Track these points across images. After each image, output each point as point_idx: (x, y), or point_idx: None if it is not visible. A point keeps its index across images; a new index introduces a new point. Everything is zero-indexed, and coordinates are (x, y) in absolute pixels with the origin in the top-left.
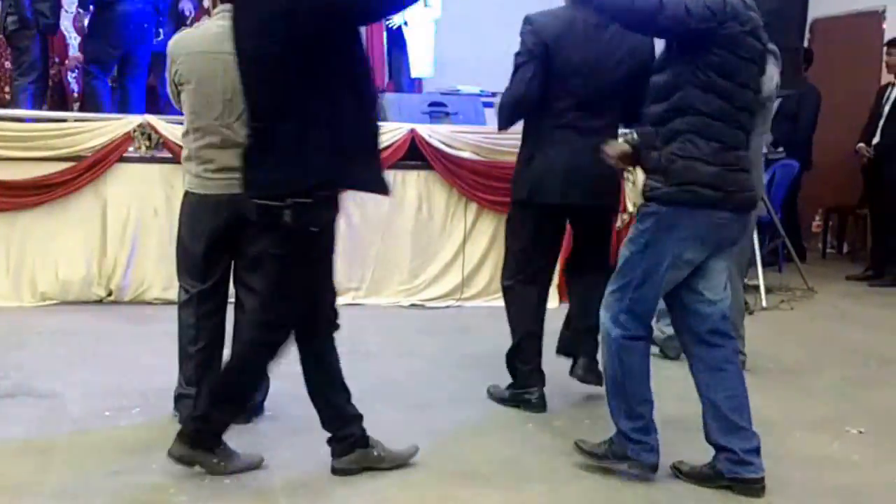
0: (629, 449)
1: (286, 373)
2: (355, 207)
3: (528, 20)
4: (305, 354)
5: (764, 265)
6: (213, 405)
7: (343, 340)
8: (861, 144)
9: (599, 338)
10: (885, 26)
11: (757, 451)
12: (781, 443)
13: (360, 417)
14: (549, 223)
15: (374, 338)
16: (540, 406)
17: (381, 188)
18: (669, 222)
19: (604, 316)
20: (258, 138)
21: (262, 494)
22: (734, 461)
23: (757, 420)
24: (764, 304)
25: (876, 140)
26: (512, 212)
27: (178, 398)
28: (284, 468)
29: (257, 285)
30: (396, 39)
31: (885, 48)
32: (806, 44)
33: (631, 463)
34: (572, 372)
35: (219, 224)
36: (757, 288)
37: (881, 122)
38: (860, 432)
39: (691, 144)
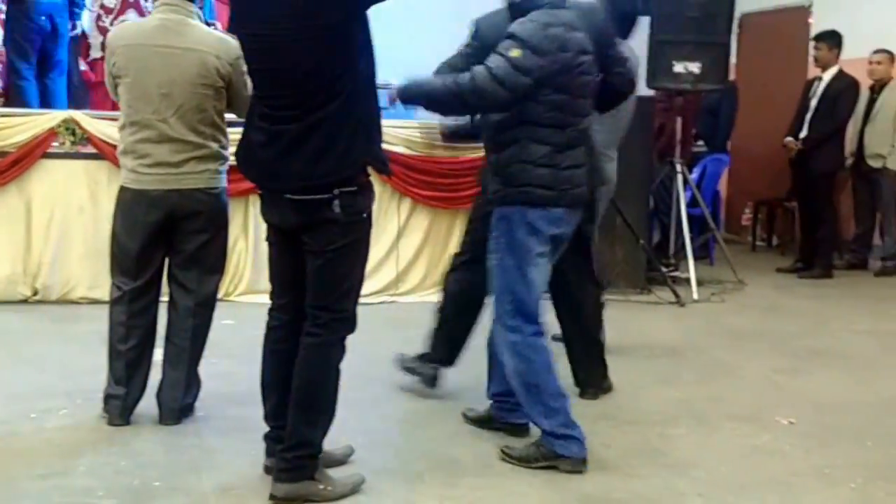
0: (556, 446)
1: (216, 373)
2: None
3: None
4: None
5: (695, 258)
6: (309, 425)
7: None
8: (789, 138)
9: (502, 349)
10: (811, 20)
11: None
12: (712, 434)
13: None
14: None
15: None
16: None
17: (386, 168)
18: (515, 222)
19: (495, 327)
20: (294, 127)
21: (192, 496)
22: (503, 409)
23: (688, 412)
24: (695, 296)
25: (803, 134)
26: None
27: (108, 398)
28: (215, 469)
29: (193, 285)
30: None
31: (812, 42)
32: (735, 39)
33: (562, 460)
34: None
35: (154, 220)
36: (688, 281)
37: (808, 116)
38: (790, 422)
39: (525, 150)
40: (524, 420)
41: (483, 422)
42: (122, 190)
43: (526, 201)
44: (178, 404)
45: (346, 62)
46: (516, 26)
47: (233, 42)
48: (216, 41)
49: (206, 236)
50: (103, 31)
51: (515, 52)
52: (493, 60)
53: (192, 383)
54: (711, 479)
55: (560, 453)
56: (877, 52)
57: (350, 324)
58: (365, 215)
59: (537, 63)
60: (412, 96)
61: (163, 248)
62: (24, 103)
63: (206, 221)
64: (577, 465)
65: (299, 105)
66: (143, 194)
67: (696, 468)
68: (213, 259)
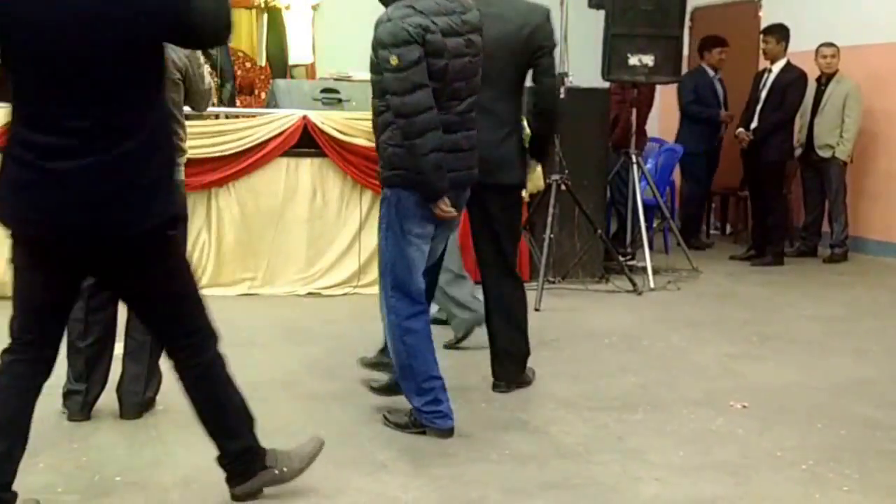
0: (424, 419)
1: None
2: (249, 196)
3: None
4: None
5: (650, 247)
6: (230, 437)
7: (239, 330)
8: (740, 129)
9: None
10: (761, 14)
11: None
12: (668, 419)
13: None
14: None
15: (269, 327)
16: None
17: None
18: (395, 204)
19: (380, 306)
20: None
21: (153, 490)
22: None
23: (645, 397)
24: (651, 285)
25: (754, 125)
26: None
27: (67, 394)
28: (175, 463)
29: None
30: (273, 24)
31: (761, 36)
32: (687, 32)
33: (429, 430)
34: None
35: None
36: (644, 269)
37: (758, 108)
38: (744, 406)
39: (399, 134)
40: None
41: (388, 389)
42: None
43: (403, 184)
44: (139, 399)
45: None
46: (380, 33)
47: None
48: None
49: None
50: None
51: (394, 60)
52: (386, 81)
53: (152, 377)
54: (668, 463)
55: (426, 425)
56: (827, 45)
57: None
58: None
59: (414, 54)
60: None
61: None
62: None
63: None
64: (443, 434)
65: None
66: None
67: (653, 453)
68: None
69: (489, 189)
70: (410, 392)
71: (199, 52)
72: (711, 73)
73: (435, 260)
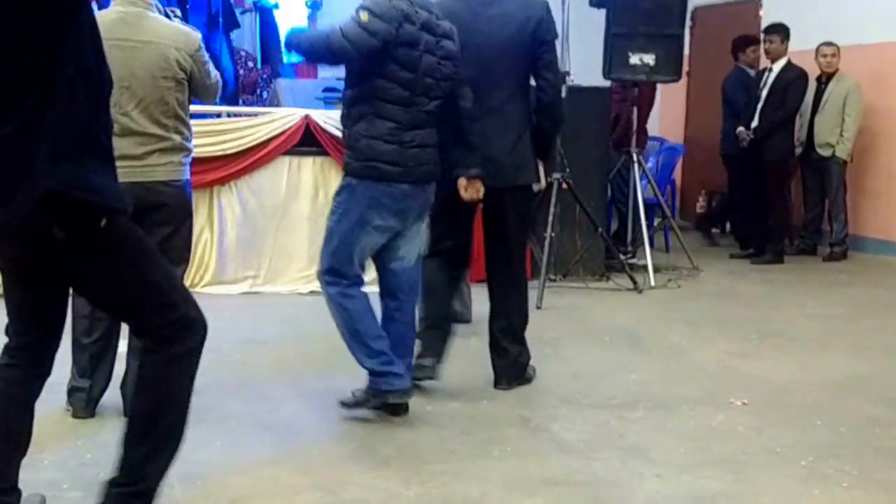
0: (381, 383)
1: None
2: (251, 195)
3: None
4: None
5: (651, 245)
6: (149, 458)
7: (241, 328)
8: (740, 129)
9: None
10: (761, 13)
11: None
12: (668, 416)
13: None
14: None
15: (272, 325)
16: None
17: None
18: (358, 193)
19: (319, 279)
20: None
21: None
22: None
23: (646, 395)
24: (652, 283)
25: (754, 124)
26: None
27: (72, 391)
28: (179, 459)
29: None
30: (267, 24)
31: (762, 35)
32: (688, 31)
33: (389, 394)
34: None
35: None
36: (645, 268)
37: (759, 106)
38: (743, 403)
39: (373, 125)
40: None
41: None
42: None
43: (372, 176)
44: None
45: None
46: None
47: (193, 33)
48: (175, 33)
49: (170, 228)
50: None
51: (364, 16)
52: (346, 23)
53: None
54: (668, 459)
55: (384, 389)
56: (827, 45)
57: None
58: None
59: (383, 27)
60: (296, 43)
61: None
62: None
63: (170, 213)
64: (401, 395)
65: None
66: None
67: (654, 449)
68: (177, 250)
69: (507, 192)
70: (362, 356)
71: (202, 51)
72: (751, 72)
73: (413, 259)
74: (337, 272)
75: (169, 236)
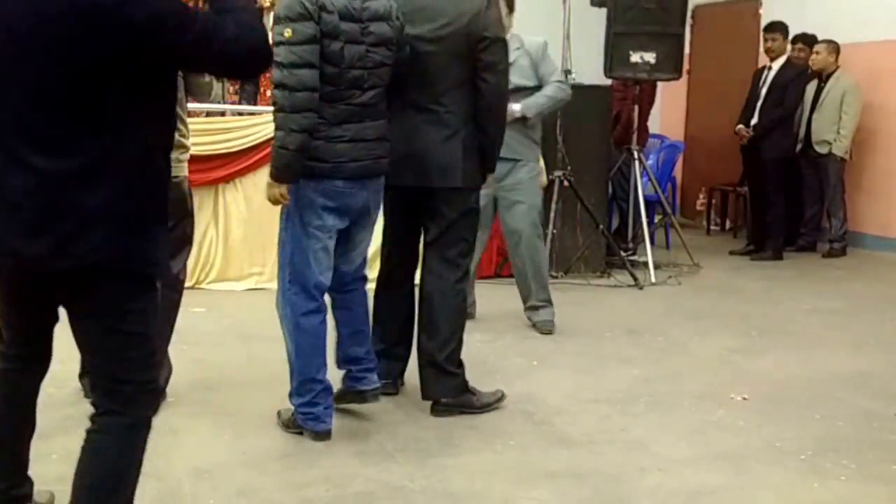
0: (300, 420)
1: (187, 359)
2: (256, 192)
3: None
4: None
5: (651, 242)
6: None
7: (246, 325)
8: (740, 126)
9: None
10: (761, 12)
11: (371, 370)
12: (670, 411)
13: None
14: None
15: (277, 322)
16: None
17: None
18: (297, 195)
19: (277, 297)
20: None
21: (166, 481)
22: (352, 378)
23: (648, 390)
24: (653, 279)
25: (754, 121)
26: None
27: (83, 373)
28: (188, 454)
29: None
30: None
31: (762, 33)
32: (689, 30)
33: (305, 433)
34: None
35: None
36: (646, 264)
37: (759, 104)
38: (744, 398)
39: (309, 117)
40: (371, 385)
41: (337, 397)
42: None
43: (305, 174)
44: None
45: None
46: (278, 8)
47: None
48: None
49: (170, 223)
50: None
51: (288, 33)
52: (277, 53)
53: (162, 367)
54: (670, 453)
55: (301, 425)
56: (820, 42)
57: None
58: None
59: (310, 28)
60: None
61: None
62: None
63: (170, 209)
64: (318, 437)
65: None
66: None
67: (656, 444)
68: (177, 244)
69: (436, 192)
70: (292, 390)
71: None
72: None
73: (359, 260)
74: (298, 282)
75: (170, 230)
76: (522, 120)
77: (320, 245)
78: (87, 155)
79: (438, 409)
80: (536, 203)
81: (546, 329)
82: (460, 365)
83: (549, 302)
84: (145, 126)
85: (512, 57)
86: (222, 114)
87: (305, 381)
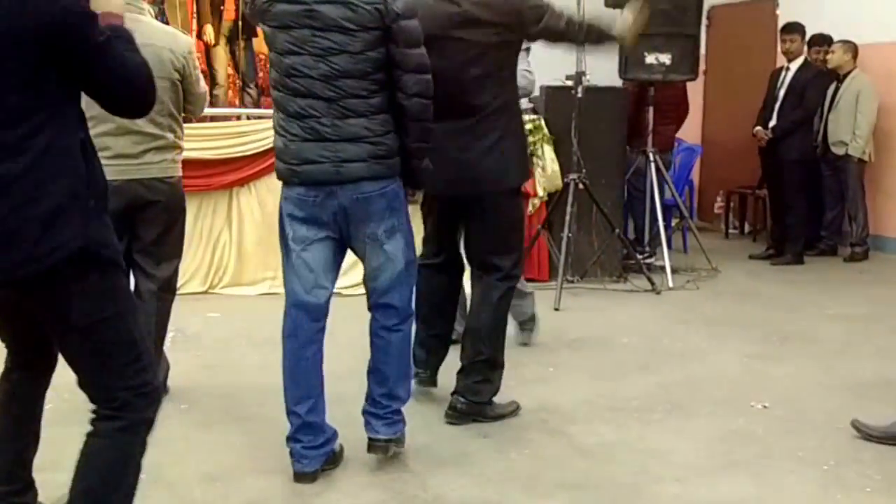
0: (291, 450)
1: (200, 364)
2: (270, 196)
3: None
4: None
5: (668, 246)
6: None
7: (260, 330)
8: (758, 128)
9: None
10: (778, 12)
11: (378, 417)
12: (688, 419)
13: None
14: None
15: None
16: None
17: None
18: (281, 200)
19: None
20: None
21: (177, 488)
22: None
23: (666, 397)
24: (670, 284)
25: (772, 123)
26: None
27: None
28: (199, 460)
29: (154, 270)
30: None
31: (780, 34)
32: (704, 31)
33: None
34: None
35: (116, 210)
36: (663, 268)
37: (777, 106)
38: (764, 406)
39: (274, 118)
40: (374, 434)
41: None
42: None
43: (279, 176)
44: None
45: None
46: None
47: (183, 37)
48: (168, 36)
49: (165, 223)
50: None
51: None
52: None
53: (159, 364)
54: (688, 463)
55: (291, 458)
56: (835, 42)
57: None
58: None
59: (254, 20)
60: None
61: (125, 238)
62: None
63: (165, 209)
64: (295, 478)
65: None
66: None
67: (674, 453)
68: (172, 244)
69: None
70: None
71: (193, 54)
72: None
73: (384, 279)
74: (293, 297)
75: (164, 232)
76: None
77: (298, 259)
78: (29, 155)
79: (451, 416)
80: None
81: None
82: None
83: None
84: (75, 116)
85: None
86: (238, 118)
87: (287, 411)
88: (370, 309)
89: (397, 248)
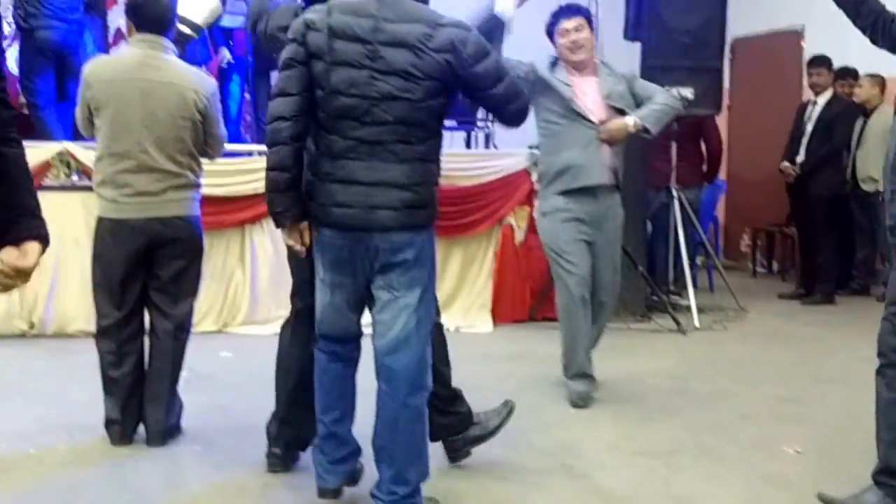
0: (314, 465)
1: (215, 405)
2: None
3: None
4: None
5: (694, 286)
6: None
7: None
8: (785, 163)
9: None
10: (804, 44)
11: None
12: (717, 465)
13: None
14: None
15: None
16: None
17: None
18: (312, 238)
19: None
20: None
21: None
22: None
23: (694, 441)
24: (697, 324)
25: (800, 158)
26: None
27: (108, 423)
28: (214, 503)
29: (170, 308)
30: None
31: (806, 67)
32: (727, 64)
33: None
34: None
35: (136, 248)
36: (688, 308)
37: (805, 140)
38: (796, 451)
39: (307, 150)
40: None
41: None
42: (101, 220)
43: (310, 216)
44: (162, 426)
45: None
46: None
47: (208, 78)
48: (193, 77)
49: (184, 262)
50: None
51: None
52: None
53: (173, 404)
54: None
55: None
56: (862, 75)
57: None
58: None
59: (290, 51)
60: None
61: (142, 275)
62: (45, 133)
63: (184, 247)
64: (321, 493)
65: None
66: (124, 223)
67: (702, 499)
68: (189, 283)
69: None
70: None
71: (216, 96)
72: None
73: (389, 337)
74: (320, 334)
75: (183, 269)
76: (645, 132)
77: (326, 298)
78: None
79: (452, 455)
80: (618, 247)
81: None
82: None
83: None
84: None
85: (607, 85)
86: (249, 154)
87: (320, 410)
88: (377, 375)
89: (413, 303)
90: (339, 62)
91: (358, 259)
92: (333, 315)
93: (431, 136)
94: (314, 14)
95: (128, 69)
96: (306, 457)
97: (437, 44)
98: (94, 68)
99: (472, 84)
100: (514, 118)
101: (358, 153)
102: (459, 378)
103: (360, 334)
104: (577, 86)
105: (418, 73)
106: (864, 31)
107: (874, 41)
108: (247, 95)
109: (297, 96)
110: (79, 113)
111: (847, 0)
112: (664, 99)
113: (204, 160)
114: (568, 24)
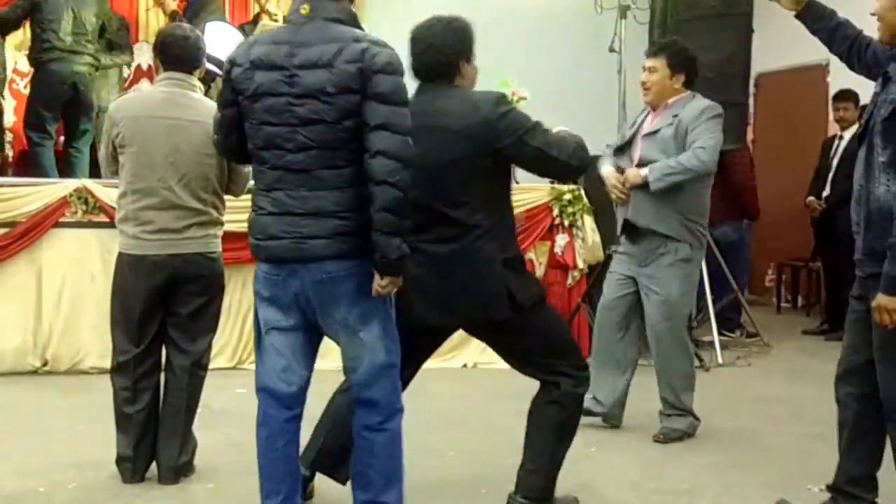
0: None
1: (229, 442)
2: None
3: None
4: None
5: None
6: None
7: None
8: (811, 198)
9: None
10: (829, 79)
11: None
12: (742, 503)
13: None
14: None
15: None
16: None
17: None
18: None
19: None
20: None
21: None
22: None
23: (716, 480)
24: (720, 360)
25: (826, 193)
26: None
27: (119, 460)
28: None
29: (188, 345)
30: None
31: (832, 102)
32: (752, 99)
33: None
34: None
35: (156, 284)
36: (711, 344)
37: (831, 175)
38: (821, 490)
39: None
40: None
41: None
42: (122, 256)
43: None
44: (175, 463)
45: None
46: None
47: None
48: None
49: (204, 298)
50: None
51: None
52: None
53: (187, 441)
54: None
55: None
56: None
57: None
58: None
59: (225, 89)
60: None
61: (161, 311)
62: (39, 173)
63: (206, 284)
64: None
65: None
66: (145, 260)
67: None
68: (208, 320)
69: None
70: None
71: None
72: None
73: (361, 371)
74: (260, 382)
75: (202, 306)
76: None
77: (267, 341)
78: None
79: None
80: (673, 294)
81: (658, 437)
82: None
83: (681, 411)
84: None
85: (657, 125)
86: None
87: (264, 477)
88: (352, 404)
89: (374, 336)
90: (260, 93)
91: (294, 294)
92: (276, 360)
93: (360, 160)
94: (238, 50)
95: (154, 107)
96: (320, 493)
97: (348, 55)
98: (120, 106)
99: (379, 96)
100: (376, 143)
101: (287, 182)
102: (476, 415)
103: (304, 386)
104: (645, 126)
105: (333, 88)
106: (840, 57)
107: (850, 66)
108: None
109: (231, 135)
110: (103, 150)
111: (821, 27)
112: (685, 157)
113: (228, 197)
114: (645, 62)
